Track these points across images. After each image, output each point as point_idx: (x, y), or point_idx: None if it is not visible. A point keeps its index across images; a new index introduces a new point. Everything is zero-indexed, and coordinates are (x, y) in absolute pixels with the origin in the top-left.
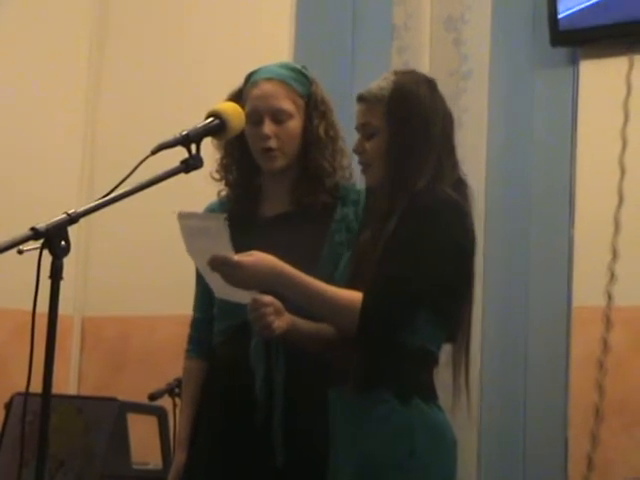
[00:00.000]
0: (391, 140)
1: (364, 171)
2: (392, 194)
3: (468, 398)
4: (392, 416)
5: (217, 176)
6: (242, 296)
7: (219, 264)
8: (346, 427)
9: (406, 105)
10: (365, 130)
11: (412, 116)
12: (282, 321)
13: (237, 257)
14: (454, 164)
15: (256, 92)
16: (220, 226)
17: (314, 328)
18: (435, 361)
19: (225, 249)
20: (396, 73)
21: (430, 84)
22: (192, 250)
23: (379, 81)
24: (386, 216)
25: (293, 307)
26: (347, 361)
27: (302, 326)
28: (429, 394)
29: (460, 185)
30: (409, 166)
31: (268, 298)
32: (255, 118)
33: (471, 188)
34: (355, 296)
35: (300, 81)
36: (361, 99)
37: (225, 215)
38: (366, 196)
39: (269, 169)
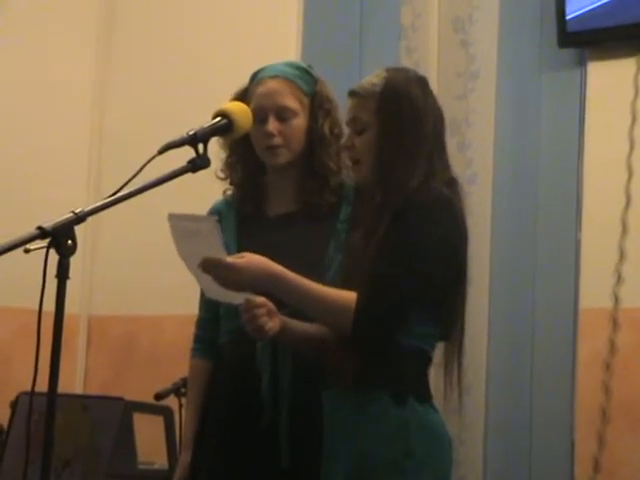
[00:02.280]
0: (381, 136)
1: (352, 167)
2: (384, 192)
3: (460, 398)
4: (387, 416)
5: (222, 175)
6: (234, 297)
7: (211, 266)
8: (341, 428)
9: (397, 102)
10: (355, 125)
11: (403, 113)
12: (275, 322)
13: (229, 259)
14: (446, 164)
15: (261, 90)
16: (212, 228)
17: (307, 329)
18: (429, 360)
19: (217, 251)
20: (388, 70)
21: (422, 82)
22: (183, 251)
23: (371, 77)
24: (378, 215)
25: (287, 308)
26: (341, 362)
27: (295, 327)
28: (424, 394)
29: (452, 183)
30: (399, 164)
31: (260, 299)
32: (260, 116)
33: (462, 186)
34: (349, 296)
35: (305, 79)
36: (352, 94)
37: (216, 217)
38: (355, 194)
39: (273, 164)
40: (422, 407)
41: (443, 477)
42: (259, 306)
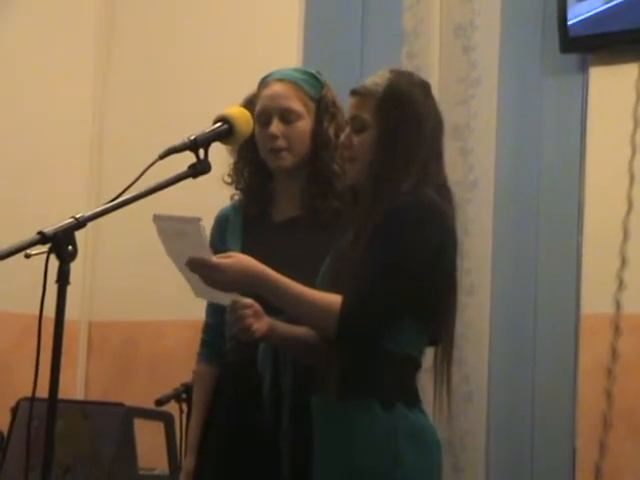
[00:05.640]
0: (380, 136)
1: (347, 165)
2: (375, 193)
3: (449, 404)
4: (376, 423)
5: (229, 180)
6: (222, 297)
7: (197, 265)
8: (329, 434)
9: (399, 104)
10: (355, 123)
11: (404, 116)
12: (261, 324)
13: (214, 259)
14: (440, 169)
15: (266, 92)
16: (197, 228)
17: (295, 332)
18: (418, 366)
19: (203, 251)
20: (392, 71)
21: (424, 86)
22: (170, 251)
23: (374, 77)
24: (367, 217)
25: (283, 314)
26: (329, 367)
27: (282, 329)
28: (412, 399)
29: (444, 189)
30: (395, 166)
31: (248, 300)
32: (264, 118)
33: (454, 193)
34: (334, 298)
35: (311, 84)
36: (354, 93)
37: (200, 218)
38: (349, 195)
39: (277, 167)
40: (411, 412)
41: None
42: (246, 307)
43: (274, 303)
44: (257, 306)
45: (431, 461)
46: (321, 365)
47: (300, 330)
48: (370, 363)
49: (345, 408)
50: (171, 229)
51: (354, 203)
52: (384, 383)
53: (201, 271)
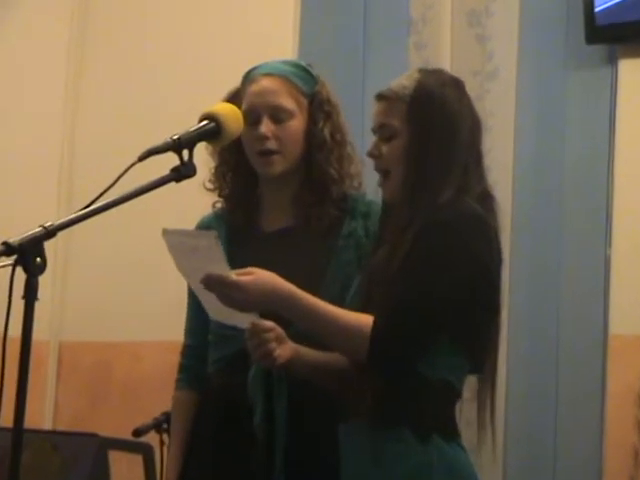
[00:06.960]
0: (412, 144)
1: (382, 181)
2: (412, 206)
3: (493, 436)
4: (410, 455)
5: (211, 186)
6: (240, 319)
7: (214, 283)
8: (359, 467)
9: (430, 106)
10: (383, 132)
11: (437, 119)
12: (284, 349)
13: (235, 276)
14: (481, 175)
15: (254, 88)
16: (212, 244)
17: (321, 358)
18: (457, 395)
19: (220, 267)
20: (420, 71)
21: (458, 85)
22: (183, 268)
23: (401, 79)
24: (403, 231)
25: (290, 327)
26: (359, 395)
27: (307, 355)
28: (450, 432)
29: (486, 198)
30: (430, 174)
31: (269, 323)
32: (252, 117)
33: (498, 201)
34: (365, 320)
35: (303, 78)
36: (380, 97)
37: (216, 232)
38: (383, 209)
39: (267, 174)
40: (448, 446)
41: None
42: (267, 330)
43: (299, 323)
44: (279, 329)
45: None
46: (351, 393)
47: (327, 356)
48: (404, 388)
49: (376, 438)
50: (183, 245)
51: (389, 219)
52: (419, 411)
53: (218, 289)
